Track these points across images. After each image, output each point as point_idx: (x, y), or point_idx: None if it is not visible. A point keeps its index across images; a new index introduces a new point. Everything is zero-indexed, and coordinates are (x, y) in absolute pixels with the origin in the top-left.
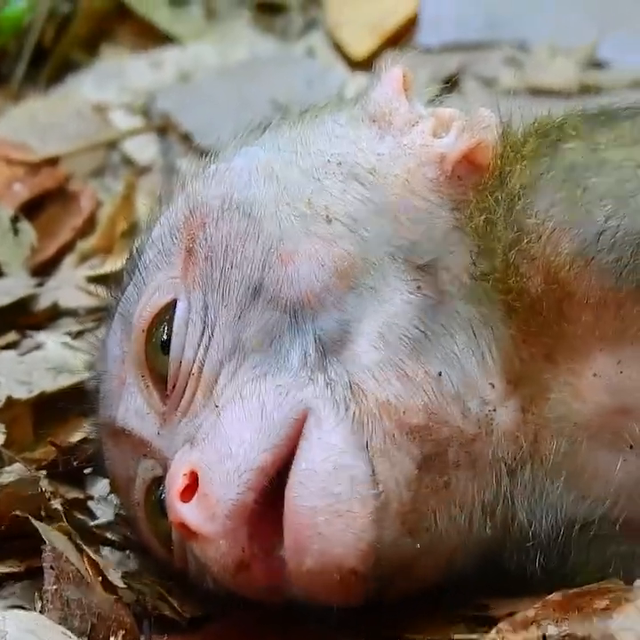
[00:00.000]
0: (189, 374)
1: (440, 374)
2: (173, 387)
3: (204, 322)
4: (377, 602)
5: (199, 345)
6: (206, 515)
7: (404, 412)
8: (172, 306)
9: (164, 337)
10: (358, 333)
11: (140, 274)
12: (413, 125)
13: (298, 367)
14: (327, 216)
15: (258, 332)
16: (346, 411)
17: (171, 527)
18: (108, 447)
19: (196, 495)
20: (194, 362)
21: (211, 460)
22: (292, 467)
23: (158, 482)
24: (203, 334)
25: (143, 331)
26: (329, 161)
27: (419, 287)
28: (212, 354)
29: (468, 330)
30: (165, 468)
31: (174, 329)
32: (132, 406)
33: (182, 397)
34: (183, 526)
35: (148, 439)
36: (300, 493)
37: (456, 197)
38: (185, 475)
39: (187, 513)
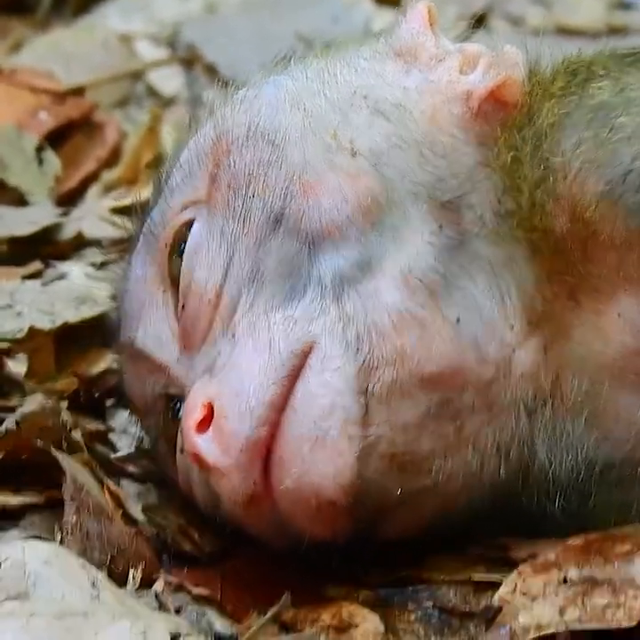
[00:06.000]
0: (208, 301)
1: (458, 320)
2: (182, 306)
3: (224, 249)
4: (386, 541)
5: (217, 271)
6: (221, 448)
7: (418, 361)
8: (192, 224)
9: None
10: (379, 271)
11: (166, 196)
12: (440, 61)
13: (311, 299)
14: (352, 149)
15: (277, 262)
16: (356, 352)
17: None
18: (127, 369)
19: (211, 427)
20: (212, 289)
21: (225, 394)
22: (291, 393)
23: (175, 400)
24: (222, 261)
25: (166, 245)
26: (355, 93)
27: (440, 226)
28: (230, 282)
29: (489, 271)
30: (183, 392)
31: (193, 249)
32: (152, 329)
33: (200, 324)
34: (197, 457)
35: (166, 364)
36: (292, 419)
37: (482, 134)
38: (203, 405)
39: (202, 445)
